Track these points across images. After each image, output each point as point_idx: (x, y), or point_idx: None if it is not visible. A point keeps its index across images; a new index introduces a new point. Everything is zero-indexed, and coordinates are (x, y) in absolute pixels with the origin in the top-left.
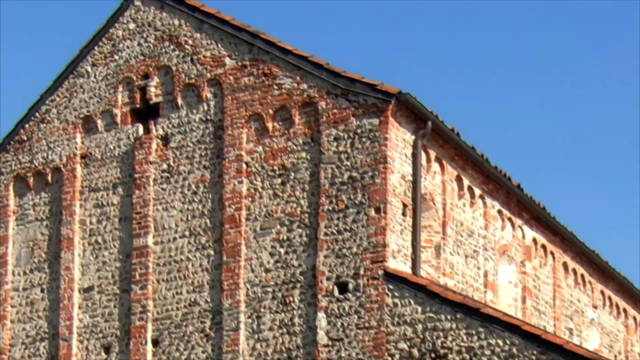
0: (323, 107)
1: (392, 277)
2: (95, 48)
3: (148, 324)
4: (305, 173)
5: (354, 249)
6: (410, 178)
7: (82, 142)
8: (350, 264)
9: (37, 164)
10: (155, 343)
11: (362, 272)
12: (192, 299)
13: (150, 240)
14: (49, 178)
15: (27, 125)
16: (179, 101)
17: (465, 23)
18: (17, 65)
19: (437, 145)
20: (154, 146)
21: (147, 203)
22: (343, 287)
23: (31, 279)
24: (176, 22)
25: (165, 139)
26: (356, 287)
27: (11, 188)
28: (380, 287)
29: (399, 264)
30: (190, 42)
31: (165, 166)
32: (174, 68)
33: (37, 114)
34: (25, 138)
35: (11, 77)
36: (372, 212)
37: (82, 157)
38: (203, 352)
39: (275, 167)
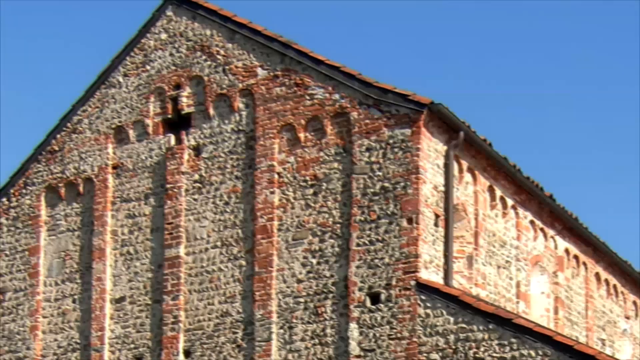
0: (355, 118)
1: (424, 288)
2: (127, 58)
3: (180, 335)
4: (337, 183)
5: (386, 260)
6: (443, 188)
7: (114, 153)
8: (382, 275)
9: (68, 175)
10: (187, 354)
11: (394, 282)
12: (224, 310)
13: (182, 250)
14: (81, 188)
15: (58, 136)
16: (211, 111)
17: (497, 34)
18: (48, 75)
19: (469, 156)
20: (185, 157)
21: (179, 213)
22: (375, 298)
23: (63, 289)
24: (208, 32)
25: (197, 150)
26: (388, 297)
27: (43, 198)
28: (413, 297)
29: (431, 275)
30: (222, 52)
31: (197, 177)
32: (205, 78)
33: (68, 124)
34: (56, 148)
35: (43, 87)
36: (404, 223)
37: (114, 167)
38: None
39: (307, 178)
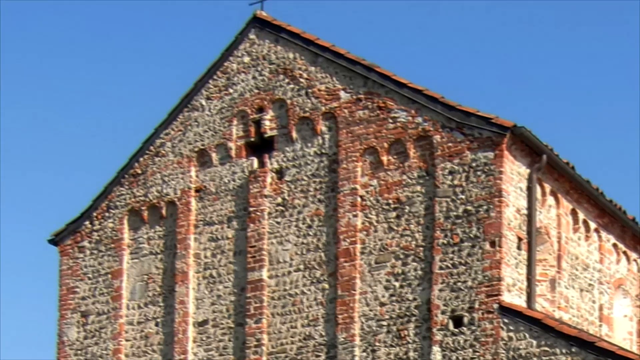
0: (438, 141)
1: (507, 311)
2: (210, 81)
3: (263, 358)
4: (420, 207)
5: (469, 283)
6: (525, 212)
7: (197, 176)
8: (465, 298)
9: (151, 198)
10: None
11: (477, 305)
12: (307, 333)
13: (265, 274)
14: (164, 212)
15: (141, 159)
16: (294, 135)
17: (578, 55)
18: (132, 98)
19: (552, 179)
20: (268, 180)
21: (262, 237)
22: (458, 321)
23: (145, 312)
24: (291, 55)
25: (280, 173)
26: (471, 320)
27: (125, 222)
28: (496, 320)
29: (514, 298)
30: (304, 75)
31: (279, 200)
32: (288, 101)
33: (151, 147)
34: (139, 171)
35: (126, 110)
36: (487, 246)
37: (197, 190)
38: None
39: (390, 201)
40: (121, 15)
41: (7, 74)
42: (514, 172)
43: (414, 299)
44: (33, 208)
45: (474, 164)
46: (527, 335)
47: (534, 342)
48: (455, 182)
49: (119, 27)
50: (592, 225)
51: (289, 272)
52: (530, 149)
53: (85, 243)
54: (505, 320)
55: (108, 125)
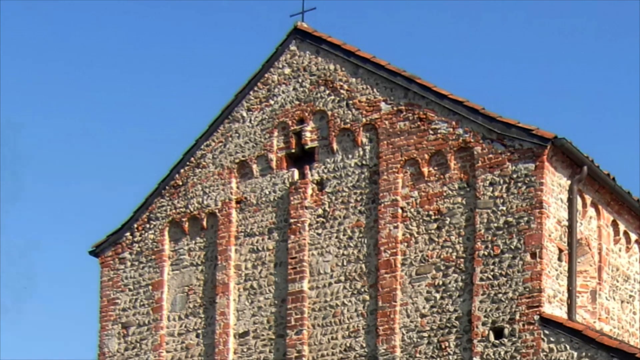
0: (479, 152)
1: (547, 322)
2: (251, 93)
3: None
4: (460, 218)
5: (510, 294)
6: (566, 223)
7: (237, 187)
8: (506, 309)
9: (192, 209)
10: None
11: (517, 317)
12: (348, 344)
13: (305, 285)
14: (204, 223)
15: (182, 170)
16: (334, 146)
17: (619, 66)
18: (173, 110)
19: (593, 190)
20: (309, 191)
21: (303, 248)
22: (499, 333)
23: (186, 324)
24: (332, 66)
25: (321, 184)
26: (512, 332)
27: (166, 233)
28: (536, 332)
29: (555, 309)
30: (345, 86)
31: (320, 211)
32: (329, 113)
33: (192, 159)
34: (180, 183)
35: (166, 122)
36: (528, 257)
37: (238, 202)
38: None
39: (431, 212)
40: (164, 28)
41: (52, 84)
42: (555, 184)
43: (455, 310)
44: (74, 219)
45: (514, 176)
46: (567, 347)
47: (575, 354)
48: (496, 193)
49: (162, 40)
50: (633, 236)
51: (330, 284)
52: (570, 160)
53: (126, 254)
54: (546, 332)
55: (149, 136)
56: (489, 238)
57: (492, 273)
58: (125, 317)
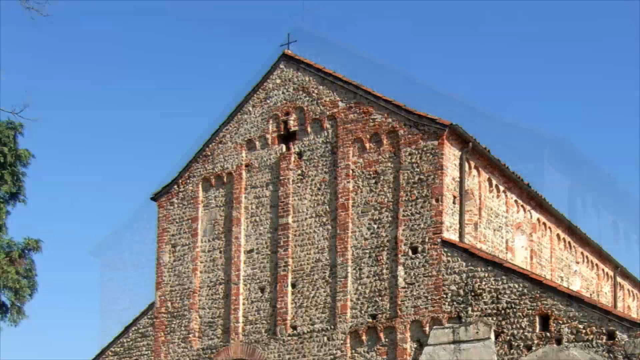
0: (402, 134)
1: (446, 244)
2: (255, 95)
3: (288, 274)
4: (390, 176)
5: (422, 225)
6: (458, 179)
7: (246, 156)
8: (419, 235)
9: (217, 170)
10: (293, 286)
11: (427, 240)
12: (317, 258)
13: (290, 219)
14: (225, 179)
15: (210, 145)
16: (309, 129)
17: (617, 63)
18: (205, 106)
19: (475, 158)
20: (292, 159)
21: (288, 195)
22: (415, 250)
23: (213, 244)
24: (306, 78)
25: (300, 154)
26: (423, 250)
27: (200, 186)
28: (439, 249)
29: (451, 235)
30: (315, 91)
31: (299, 172)
32: (305, 108)
33: (216, 138)
34: (209, 153)
35: (201, 115)
36: (434, 201)
37: (246, 166)
38: (323, 292)
39: (371, 172)
40: (199, 50)
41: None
42: (451, 154)
43: (386, 236)
44: (141, 175)
45: (425, 149)
46: (459, 259)
47: (464, 264)
48: (413, 160)
49: (198, 60)
50: (501, 188)
51: (305, 218)
52: (461, 139)
53: (174, 199)
54: (445, 249)
55: (191, 123)
56: (409, 189)
57: (410, 211)
58: (173, 240)
